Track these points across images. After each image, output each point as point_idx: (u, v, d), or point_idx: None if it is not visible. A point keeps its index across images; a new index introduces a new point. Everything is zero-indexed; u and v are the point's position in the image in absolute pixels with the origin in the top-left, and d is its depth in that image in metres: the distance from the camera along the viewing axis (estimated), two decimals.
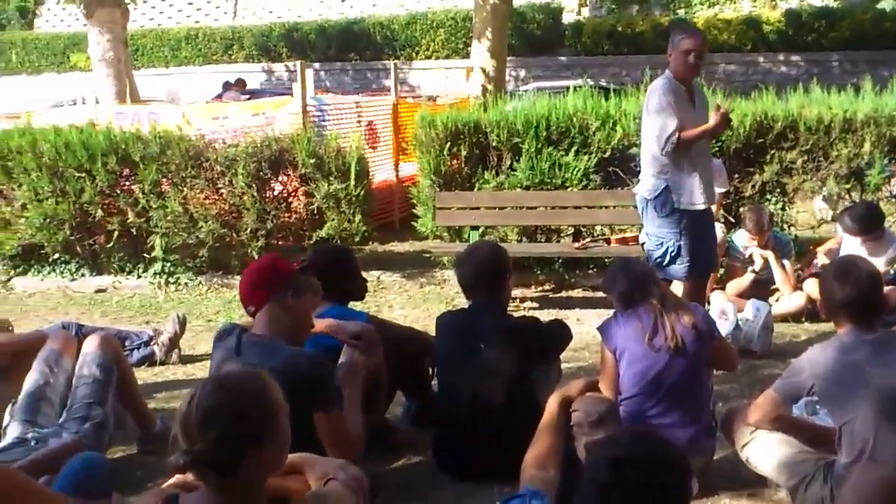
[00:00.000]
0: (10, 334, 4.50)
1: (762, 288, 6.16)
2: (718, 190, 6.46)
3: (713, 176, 5.21)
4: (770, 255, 6.06)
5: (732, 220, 7.04)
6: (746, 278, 6.13)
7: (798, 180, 7.13)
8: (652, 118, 4.88)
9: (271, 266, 3.28)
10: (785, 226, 7.24)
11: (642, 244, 6.43)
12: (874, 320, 3.05)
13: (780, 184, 7.13)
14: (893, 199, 7.17)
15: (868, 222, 5.79)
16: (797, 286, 6.06)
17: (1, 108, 15.18)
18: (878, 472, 2.62)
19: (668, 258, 4.91)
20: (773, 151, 7.10)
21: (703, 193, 4.96)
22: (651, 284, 3.49)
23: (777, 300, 6.04)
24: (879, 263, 5.42)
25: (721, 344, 3.60)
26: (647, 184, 4.99)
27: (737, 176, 7.12)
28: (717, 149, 7.02)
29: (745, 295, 5.96)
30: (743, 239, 6.28)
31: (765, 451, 3.15)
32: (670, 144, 4.78)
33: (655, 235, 4.98)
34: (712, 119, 4.89)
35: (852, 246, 5.82)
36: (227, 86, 16.22)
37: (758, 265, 6.10)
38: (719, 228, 6.36)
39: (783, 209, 7.23)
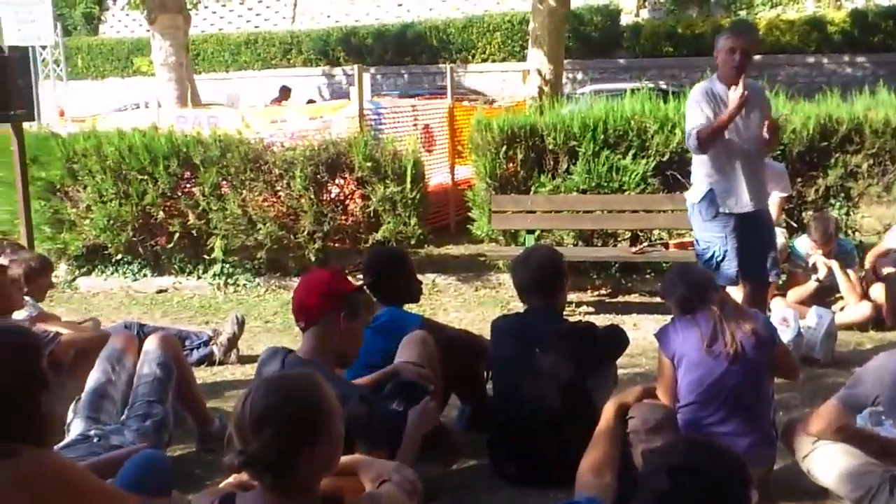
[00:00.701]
0: (73, 333, 4.61)
1: (825, 295, 6.02)
2: (780, 194, 6.35)
3: (764, 179, 5.06)
4: (835, 264, 5.92)
5: (795, 224, 6.90)
6: (809, 286, 6.00)
7: (863, 185, 6.96)
8: (687, 114, 4.87)
9: (327, 284, 3.18)
10: (849, 231, 7.06)
11: None
12: None
13: (844, 188, 6.97)
14: None
15: None
16: (863, 295, 5.91)
17: (67, 112, 15.60)
18: None
19: (714, 262, 4.83)
20: (837, 155, 6.94)
21: (750, 196, 4.85)
22: (710, 290, 3.44)
23: (842, 309, 5.89)
24: None
25: (782, 351, 3.53)
26: (693, 187, 4.96)
27: (799, 180, 6.97)
28: (779, 152, 6.88)
29: (807, 302, 5.83)
30: (805, 245, 6.15)
31: (827, 462, 3.08)
32: (692, 142, 4.74)
33: (702, 239, 4.92)
34: (732, 102, 4.69)
35: None
36: (283, 90, 16.46)
37: (822, 274, 5.96)
38: (781, 234, 6.23)
39: (847, 214, 7.06)
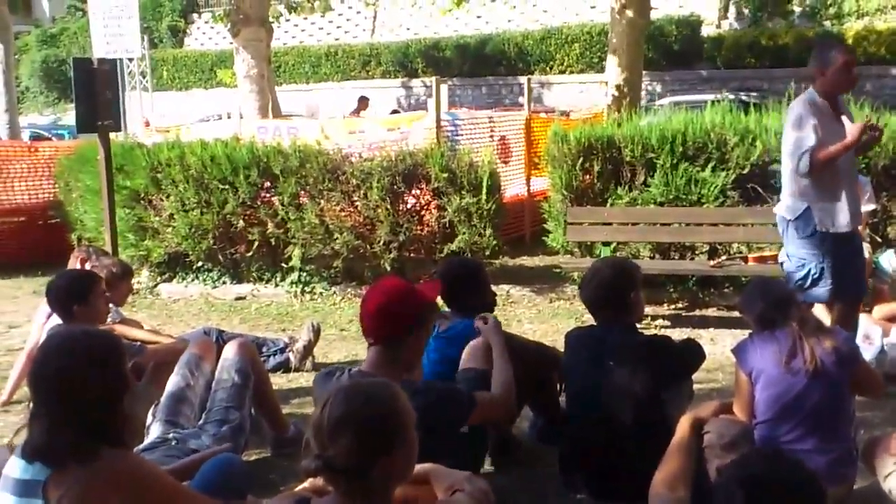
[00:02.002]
0: (155, 338, 4.76)
1: None
2: (865, 208, 6.15)
3: (859, 198, 4.94)
4: None
5: (879, 239, 6.68)
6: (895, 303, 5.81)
7: None
8: (788, 135, 4.71)
9: (399, 303, 3.07)
10: None
11: (781, 263, 6.21)
12: None
13: None
14: None
15: None
16: None
17: (152, 122, 16.11)
18: None
19: (809, 281, 4.71)
20: None
21: (848, 216, 4.72)
22: (791, 306, 3.37)
23: None
24: None
25: (864, 368, 3.44)
26: (787, 204, 4.80)
27: (885, 194, 6.75)
28: (863, 165, 6.68)
29: (893, 319, 5.64)
30: (891, 259, 5.97)
31: None
32: (804, 164, 4.56)
33: (797, 257, 4.78)
34: (850, 132, 4.61)
35: None
36: (362, 100, 16.70)
37: None
38: (865, 248, 6.05)
39: None
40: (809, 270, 4.71)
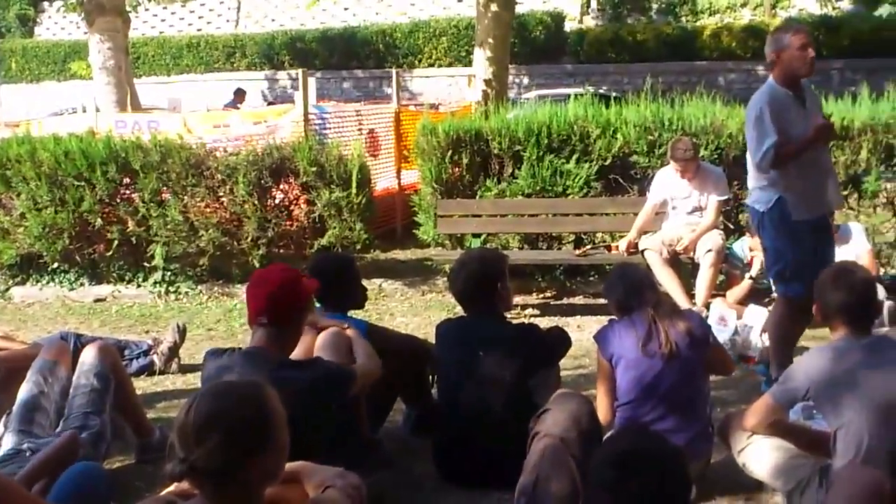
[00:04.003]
0: (6, 350, 4.51)
1: (762, 295, 6.18)
2: (719, 198, 6.48)
3: (834, 180, 4.90)
4: None
5: (732, 227, 7.04)
6: (745, 284, 6.14)
7: None
8: (749, 131, 4.55)
9: (295, 284, 3.16)
10: None
11: (643, 251, 6.46)
12: (868, 325, 3.07)
13: None
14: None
15: None
16: None
17: (0, 116, 15.22)
18: (865, 474, 2.63)
19: (789, 272, 4.57)
20: None
21: (820, 201, 4.64)
22: (646, 291, 3.51)
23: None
24: None
25: (716, 349, 3.61)
26: (759, 196, 4.66)
27: (736, 183, 7.09)
28: (716, 156, 7.03)
29: (744, 302, 5.96)
30: (744, 246, 6.31)
31: (761, 456, 3.15)
32: (767, 162, 4.43)
33: (773, 248, 4.65)
34: (812, 128, 4.51)
35: None
36: (239, 93, 16.30)
37: (755, 270, 6.12)
38: (718, 235, 6.38)
39: None
40: (787, 261, 4.58)
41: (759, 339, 5.33)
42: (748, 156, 4.69)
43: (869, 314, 3.09)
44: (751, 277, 6.14)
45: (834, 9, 19.85)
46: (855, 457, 2.83)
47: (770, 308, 5.89)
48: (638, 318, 3.41)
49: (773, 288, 4.95)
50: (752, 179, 4.67)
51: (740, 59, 19.24)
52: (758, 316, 5.43)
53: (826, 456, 2.99)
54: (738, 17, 21.38)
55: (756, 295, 6.11)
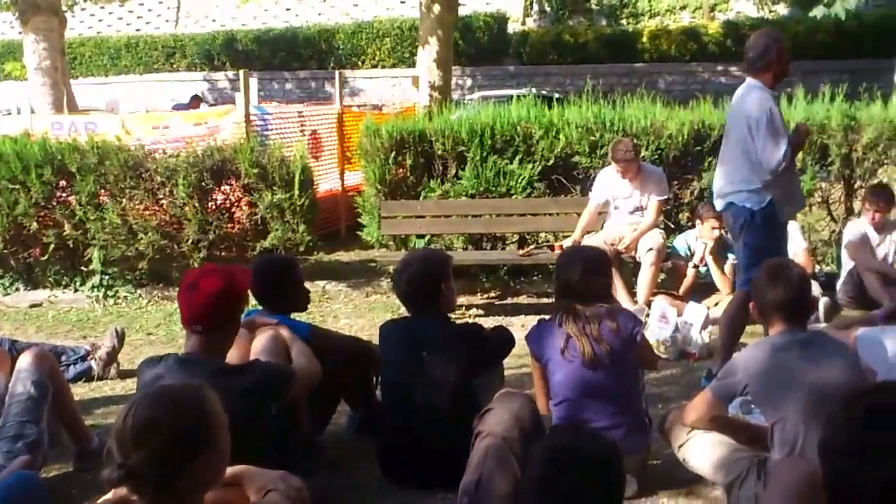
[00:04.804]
0: None
1: (704, 291, 6.31)
2: (660, 197, 6.58)
3: (798, 185, 5.08)
4: (709, 258, 6.26)
5: (672, 226, 7.15)
6: (690, 273, 6.32)
7: None
8: (760, 133, 4.56)
9: (229, 288, 3.06)
10: (721, 231, 7.36)
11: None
12: (804, 321, 3.15)
13: None
14: None
15: None
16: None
17: None
18: (801, 466, 2.69)
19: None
20: (710, 159, 7.21)
21: (797, 204, 4.90)
22: (572, 291, 3.49)
23: (716, 304, 6.16)
24: None
25: (643, 345, 3.62)
26: (749, 196, 4.68)
27: (676, 183, 7.23)
28: (657, 157, 7.14)
29: (688, 293, 6.15)
30: (687, 239, 6.50)
31: (701, 450, 3.20)
32: (785, 162, 4.54)
33: (758, 248, 4.63)
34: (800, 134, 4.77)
35: None
36: (194, 99, 16.06)
37: (697, 257, 6.33)
38: (659, 234, 6.48)
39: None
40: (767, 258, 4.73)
41: (700, 336, 5.44)
42: (740, 155, 4.70)
43: (804, 310, 3.16)
44: (694, 266, 6.30)
45: (770, 12, 20.28)
46: (791, 450, 2.89)
47: (711, 304, 6.05)
48: (564, 318, 3.42)
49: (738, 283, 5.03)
50: (741, 182, 4.70)
51: (679, 62, 19.56)
52: (697, 314, 5.53)
53: (764, 449, 3.06)
54: (678, 19, 21.72)
55: (699, 291, 6.26)
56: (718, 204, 4.90)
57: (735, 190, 4.73)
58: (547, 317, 3.59)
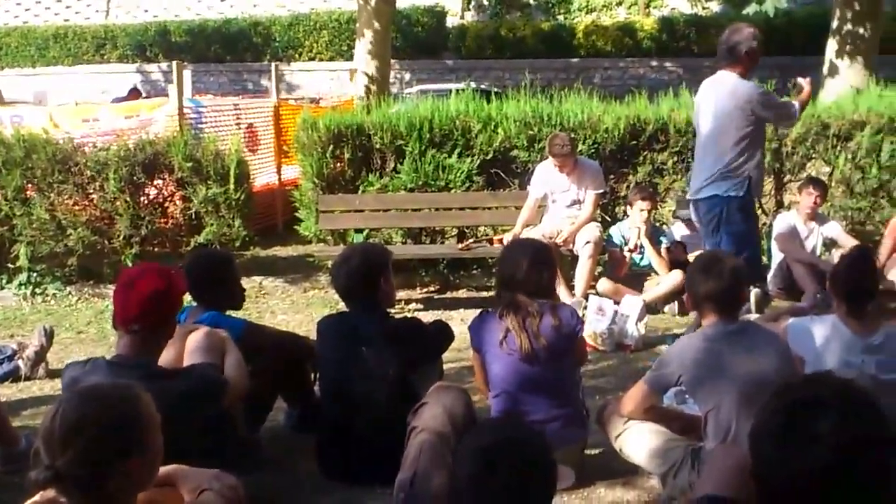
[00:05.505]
0: None
1: (639, 281, 6.42)
2: (597, 191, 6.65)
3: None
4: (646, 241, 6.41)
5: (609, 219, 7.23)
6: (627, 259, 6.50)
7: (669, 180, 7.40)
8: (773, 106, 5.05)
9: (168, 289, 2.99)
10: (657, 224, 7.49)
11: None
12: (736, 312, 3.21)
13: (652, 184, 7.38)
14: None
15: None
16: (671, 266, 6.37)
17: None
18: (734, 454, 2.74)
19: (754, 257, 4.78)
20: (645, 153, 7.35)
21: (762, 181, 5.31)
22: (513, 284, 3.50)
23: (657, 284, 6.30)
24: None
25: (579, 339, 3.64)
26: (730, 183, 4.82)
27: (612, 177, 7.32)
28: (593, 151, 7.21)
29: (623, 282, 6.25)
30: (621, 229, 6.62)
31: (637, 440, 3.25)
32: (799, 114, 5.15)
33: (740, 234, 4.75)
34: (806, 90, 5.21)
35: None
36: (133, 92, 15.69)
37: (631, 243, 6.46)
38: (596, 227, 6.55)
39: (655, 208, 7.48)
40: (753, 244, 4.83)
41: (636, 328, 5.51)
42: (709, 149, 4.97)
43: (736, 302, 3.23)
44: (629, 250, 6.41)
45: (703, 9, 20.62)
46: (725, 438, 2.95)
47: (650, 285, 6.20)
48: (504, 310, 3.44)
49: None
50: (727, 168, 4.90)
51: (615, 57, 19.79)
52: (634, 305, 5.60)
53: (698, 439, 3.11)
54: (614, 14, 21.96)
55: (635, 281, 6.36)
56: (695, 198, 5.14)
57: (717, 179, 4.93)
58: (491, 308, 3.59)
